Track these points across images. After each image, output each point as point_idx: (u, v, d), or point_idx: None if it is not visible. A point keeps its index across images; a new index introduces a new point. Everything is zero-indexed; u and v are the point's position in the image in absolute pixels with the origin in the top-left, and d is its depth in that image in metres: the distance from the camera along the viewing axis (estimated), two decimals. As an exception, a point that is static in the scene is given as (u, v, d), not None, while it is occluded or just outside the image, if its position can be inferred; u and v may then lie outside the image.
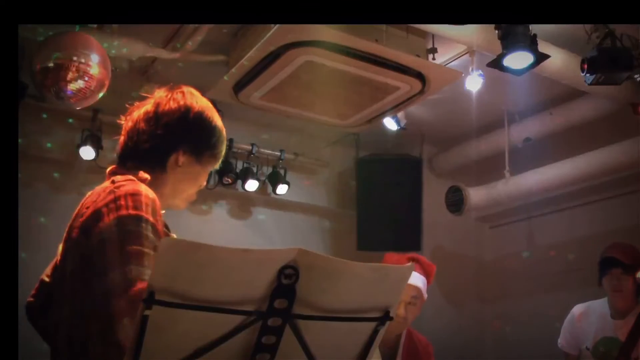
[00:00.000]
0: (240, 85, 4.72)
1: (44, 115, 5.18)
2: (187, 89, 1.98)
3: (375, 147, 6.50)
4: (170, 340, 1.31)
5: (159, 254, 1.27)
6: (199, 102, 1.97)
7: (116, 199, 1.67)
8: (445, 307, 6.70)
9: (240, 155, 6.04)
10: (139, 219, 1.63)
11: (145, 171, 1.87)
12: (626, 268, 3.81)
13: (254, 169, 6.07)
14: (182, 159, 1.92)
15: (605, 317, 3.93)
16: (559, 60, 4.36)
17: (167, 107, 1.92)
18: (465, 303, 6.89)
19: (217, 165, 2.05)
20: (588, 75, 3.91)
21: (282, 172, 6.25)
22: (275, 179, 6.20)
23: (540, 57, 3.84)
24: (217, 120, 2.00)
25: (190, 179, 1.98)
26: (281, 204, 6.33)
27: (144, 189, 1.73)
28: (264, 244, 5.86)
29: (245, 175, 5.97)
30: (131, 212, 1.64)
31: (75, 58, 3.71)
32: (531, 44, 3.73)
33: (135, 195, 1.68)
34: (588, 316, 4.01)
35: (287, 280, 1.31)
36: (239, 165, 6.03)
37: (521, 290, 6.48)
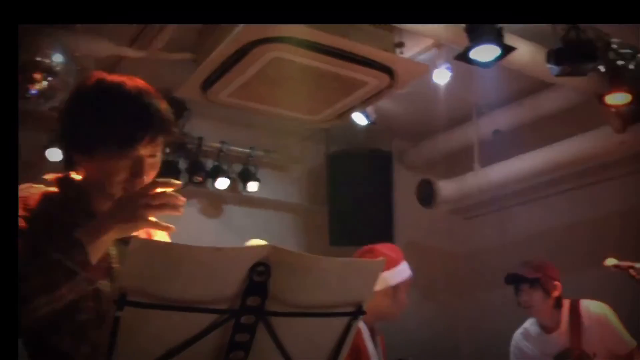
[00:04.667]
0: (208, 83, 4.69)
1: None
2: None
3: (346, 142, 6.51)
4: (144, 341, 1.30)
5: (130, 255, 1.26)
6: None
7: None
8: (419, 300, 6.72)
9: (210, 153, 6.01)
10: None
11: None
12: (531, 282, 3.82)
13: (224, 167, 6.05)
14: None
15: (542, 336, 3.90)
16: (525, 52, 4.39)
17: None
18: (439, 296, 6.92)
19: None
20: (554, 67, 3.95)
21: (252, 169, 6.23)
22: (246, 176, 6.18)
23: (507, 50, 3.87)
24: None
25: None
26: (252, 201, 6.31)
27: None
28: (236, 242, 5.83)
29: (215, 173, 5.95)
30: None
31: (39, 58, 3.66)
32: (497, 36, 3.76)
33: None
34: (529, 342, 3.97)
35: (259, 278, 1.31)
36: (209, 164, 6.00)
37: (495, 281, 6.52)
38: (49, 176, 1.77)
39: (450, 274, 7.00)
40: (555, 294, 3.80)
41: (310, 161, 6.72)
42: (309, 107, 5.19)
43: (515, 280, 3.93)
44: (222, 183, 5.94)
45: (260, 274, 1.30)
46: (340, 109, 5.21)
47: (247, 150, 6.19)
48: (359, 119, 5.47)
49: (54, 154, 5.18)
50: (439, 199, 6.11)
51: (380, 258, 1.50)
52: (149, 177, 1.70)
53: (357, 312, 1.46)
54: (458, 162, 6.40)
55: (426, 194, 6.17)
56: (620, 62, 4.31)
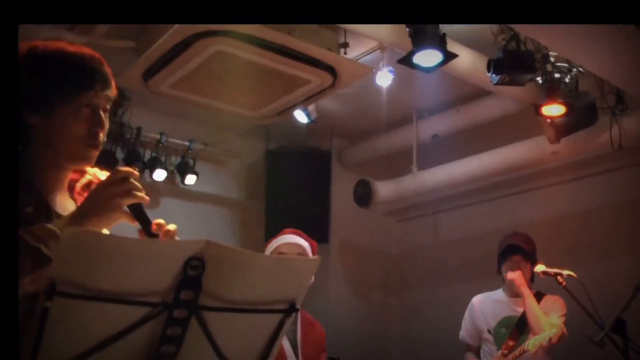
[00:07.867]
0: (150, 73, 4.63)
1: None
2: None
3: (286, 140, 6.51)
4: (73, 333, 1.28)
5: (61, 244, 1.24)
6: None
7: None
8: (351, 299, 6.78)
9: (149, 144, 5.94)
10: None
11: None
12: (526, 255, 4.06)
13: (163, 159, 5.98)
14: None
15: (503, 300, 4.16)
16: (467, 60, 4.46)
17: None
18: (371, 295, 6.99)
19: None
20: (494, 75, 4.03)
21: (191, 162, 6.19)
22: (184, 169, 6.13)
23: (449, 56, 3.93)
24: None
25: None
26: (190, 195, 6.26)
27: None
28: (171, 235, 5.77)
29: (153, 164, 5.88)
30: None
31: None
32: (440, 42, 3.82)
33: None
34: (486, 303, 4.22)
35: (193, 272, 1.30)
36: (147, 155, 5.93)
37: (426, 283, 6.62)
38: None
39: (383, 274, 7.07)
40: (535, 268, 3.96)
41: (249, 157, 6.70)
42: (251, 102, 5.17)
43: (514, 251, 4.09)
44: (159, 175, 5.88)
45: (194, 268, 1.30)
46: (282, 106, 5.20)
47: (186, 143, 6.14)
48: (299, 116, 5.48)
49: None
50: (375, 199, 6.16)
51: (316, 257, 1.51)
52: (103, 132, 1.73)
53: (290, 309, 1.47)
54: (396, 164, 6.47)
55: (363, 194, 6.22)
56: (556, 75, 4.42)
